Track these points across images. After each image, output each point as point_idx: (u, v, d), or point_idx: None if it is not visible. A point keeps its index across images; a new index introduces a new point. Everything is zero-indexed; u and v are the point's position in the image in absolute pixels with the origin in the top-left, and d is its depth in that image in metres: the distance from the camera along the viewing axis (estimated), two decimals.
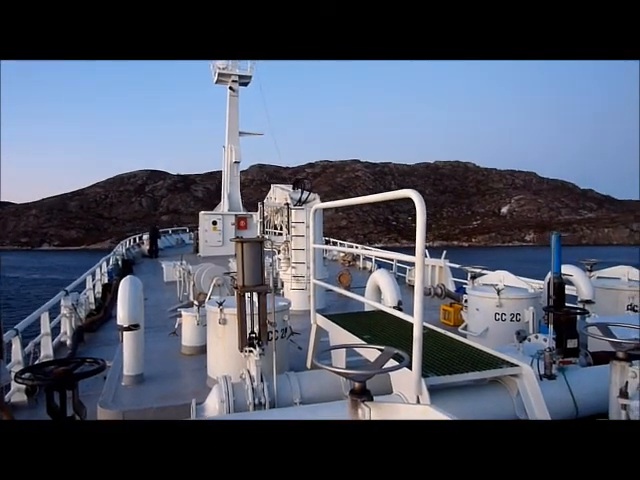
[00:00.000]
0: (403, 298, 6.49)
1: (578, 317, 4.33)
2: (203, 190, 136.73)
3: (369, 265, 19.08)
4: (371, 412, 2.09)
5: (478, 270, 8.13)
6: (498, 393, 3.29)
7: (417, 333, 2.79)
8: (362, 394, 2.17)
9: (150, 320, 7.69)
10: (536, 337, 4.78)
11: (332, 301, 11.05)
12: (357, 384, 2.19)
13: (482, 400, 3.24)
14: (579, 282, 7.29)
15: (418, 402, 2.92)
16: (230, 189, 24.99)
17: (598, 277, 8.41)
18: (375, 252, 15.79)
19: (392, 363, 2.53)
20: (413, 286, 10.83)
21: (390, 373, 3.22)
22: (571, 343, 3.94)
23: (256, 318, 4.20)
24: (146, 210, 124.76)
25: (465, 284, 10.18)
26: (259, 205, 11.91)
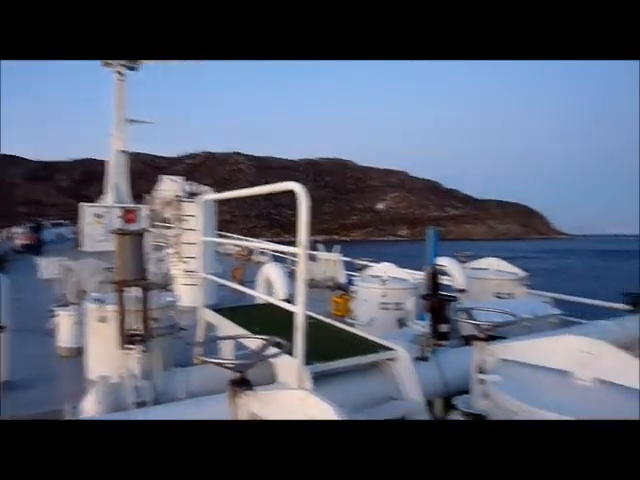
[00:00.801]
0: (296, 291, 6.59)
1: (453, 304, 4.72)
2: (68, 179, 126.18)
3: (265, 259, 19.08)
4: (251, 402, 2.11)
5: (365, 263, 8.50)
6: (377, 376, 3.48)
7: (300, 322, 2.86)
8: (242, 384, 2.18)
9: (23, 321, 7.03)
10: (415, 324, 5.13)
11: (225, 296, 10.86)
12: (236, 374, 2.20)
13: (362, 384, 3.41)
14: (454, 273, 7.93)
15: None
16: (117, 179, 23.49)
17: (472, 268, 9.19)
18: (266, 245, 15.80)
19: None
20: (306, 279, 10.85)
21: (274, 363, 3.27)
22: (443, 328, 4.29)
23: (140, 315, 4.02)
24: None
25: (355, 276, 10.60)
26: (147, 197, 11.38)
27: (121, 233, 3.82)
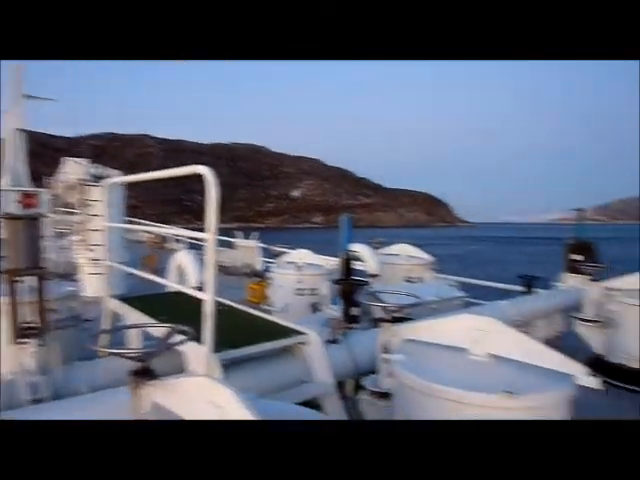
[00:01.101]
0: (205, 278, 6.43)
1: (365, 288, 4.87)
2: None
3: (180, 247, 18.49)
4: (154, 392, 2.04)
5: (282, 249, 8.52)
6: (289, 361, 3.51)
7: (209, 309, 2.81)
8: (144, 374, 2.10)
9: None
10: (329, 308, 5.24)
11: (136, 285, 10.41)
12: (138, 364, 2.11)
13: (274, 369, 3.42)
14: (367, 258, 8.17)
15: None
16: (13, 160, 21.51)
17: (384, 254, 9.52)
18: (174, 230, 15.33)
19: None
20: (224, 267, 10.83)
21: (183, 352, 3.19)
22: (354, 311, 4.42)
23: (35, 307, 3.73)
24: None
25: (272, 263, 10.60)
26: (48, 180, 10.56)
27: (12, 217, 3.51)
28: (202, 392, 1.67)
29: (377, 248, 9.81)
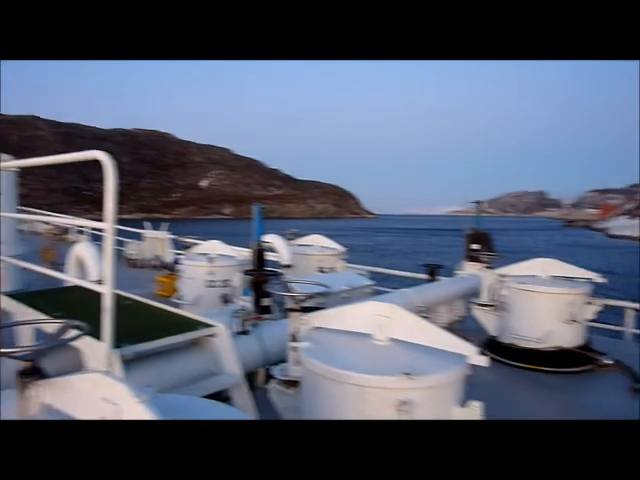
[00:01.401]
0: (120, 272, 6.12)
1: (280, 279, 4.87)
2: None
3: (83, 239, 17.37)
4: (43, 391, 1.91)
5: (193, 241, 8.29)
6: (197, 354, 3.44)
7: (108, 303, 2.67)
8: (32, 374, 1.95)
9: None
10: (241, 300, 5.18)
11: (33, 280, 9.67)
12: (25, 363, 1.96)
13: (181, 363, 3.33)
14: (280, 249, 8.20)
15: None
16: None
17: (298, 245, 9.60)
18: (70, 220, 14.36)
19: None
20: (131, 260, 10.35)
21: (81, 349, 3.01)
22: (265, 301, 4.42)
23: None
24: None
25: (182, 255, 10.28)
26: None
27: None
28: (95, 389, 1.59)
29: (290, 239, 9.87)
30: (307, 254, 8.64)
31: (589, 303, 6.15)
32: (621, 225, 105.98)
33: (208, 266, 6.84)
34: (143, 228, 14.32)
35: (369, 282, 7.12)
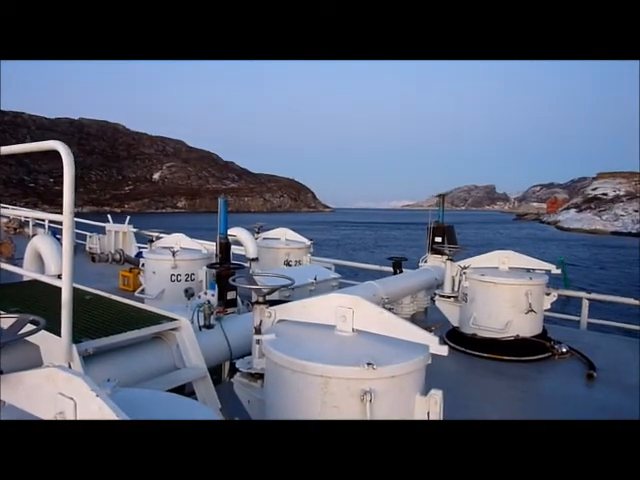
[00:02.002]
0: (81, 266, 5.97)
1: (247, 272, 4.84)
2: None
3: (42, 232, 16.81)
4: None
5: (157, 234, 8.14)
6: (160, 348, 3.40)
7: (66, 297, 2.60)
8: None
9: None
10: (205, 293, 5.13)
11: None
12: None
13: (143, 357, 3.29)
14: (246, 243, 8.15)
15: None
16: None
17: (263, 238, 9.57)
18: (24, 212, 13.88)
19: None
20: (93, 254, 10.08)
21: (40, 345, 2.94)
22: (230, 295, 4.39)
23: None
24: None
25: (145, 248, 10.09)
26: None
27: None
28: (51, 384, 1.55)
29: (257, 232, 9.83)
30: (273, 247, 8.63)
31: (547, 293, 6.38)
32: (571, 218, 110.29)
33: (172, 260, 6.74)
34: (106, 221, 13.98)
35: (335, 275, 7.18)
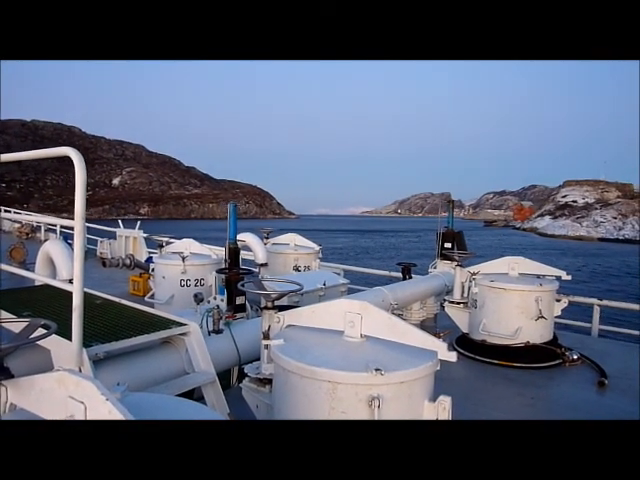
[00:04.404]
0: (91, 271, 6.03)
1: (255, 277, 4.86)
2: None
3: (53, 238, 17.00)
4: (8, 392, 1.88)
5: (166, 239, 8.20)
6: (169, 353, 3.42)
7: (77, 301, 2.62)
8: None
9: None
10: (214, 298, 5.15)
11: (1, 280, 9.44)
12: None
13: (153, 362, 3.31)
14: (255, 248, 8.17)
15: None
16: None
17: (273, 243, 9.59)
18: (37, 218, 14.02)
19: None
20: (103, 259, 10.11)
21: (51, 349, 2.96)
22: (239, 300, 4.41)
23: None
24: None
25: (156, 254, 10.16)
26: None
27: None
28: (61, 388, 1.57)
29: (266, 237, 9.85)
30: (282, 253, 8.64)
31: (557, 300, 6.32)
32: (552, 225, 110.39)
33: (181, 265, 6.78)
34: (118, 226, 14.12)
35: (344, 281, 7.18)
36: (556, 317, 6.38)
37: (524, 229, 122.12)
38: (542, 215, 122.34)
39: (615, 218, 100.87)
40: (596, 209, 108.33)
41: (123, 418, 1.39)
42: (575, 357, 5.96)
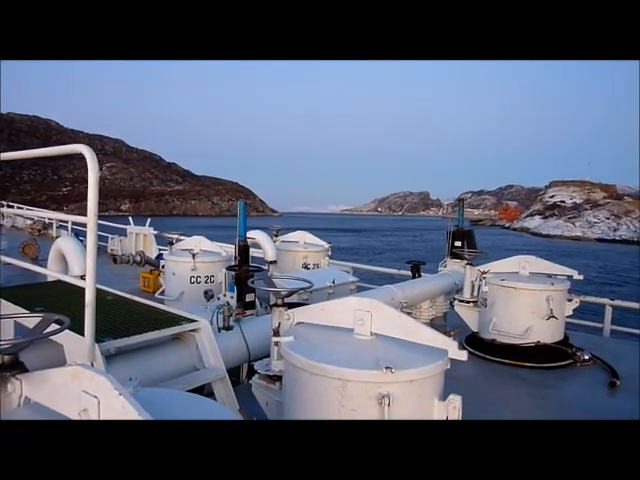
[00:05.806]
0: (103, 267, 6.07)
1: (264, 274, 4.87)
2: None
3: (64, 234, 17.17)
4: (22, 385, 1.91)
5: (176, 236, 8.24)
6: (179, 349, 3.44)
7: (89, 297, 2.65)
8: (12, 368, 1.95)
9: None
10: (224, 295, 5.18)
11: (12, 276, 9.56)
12: (5, 357, 1.95)
13: (164, 358, 3.33)
14: (265, 245, 8.19)
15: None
16: None
17: (282, 241, 9.60)
18: (53, 215, 14.19)
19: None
20: (114, 255, 10.22)
21: (64, 344, 3.00)
22: (249, 297, 4.42)
23: None
24: None
25: (165, 250, 10.23)
26: None
27: None
28: (75, 382, 1.58)
29: (275, 235, 9.87)
30: (292, 250, 8.65)
31: (569, 300, 6.27)
32: (546, 225, 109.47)
33: (191, 262, 6.82)
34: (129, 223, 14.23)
35: (353, 279, 7.17)
36: (567, 317, 6.33)
37: (514, 229, 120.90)
38: (532, 215, 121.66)
39: (608, 219, 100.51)
40: (587, 210, 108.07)
41: (136, 412, 1.40)
42: (586, 357, 5.91)
